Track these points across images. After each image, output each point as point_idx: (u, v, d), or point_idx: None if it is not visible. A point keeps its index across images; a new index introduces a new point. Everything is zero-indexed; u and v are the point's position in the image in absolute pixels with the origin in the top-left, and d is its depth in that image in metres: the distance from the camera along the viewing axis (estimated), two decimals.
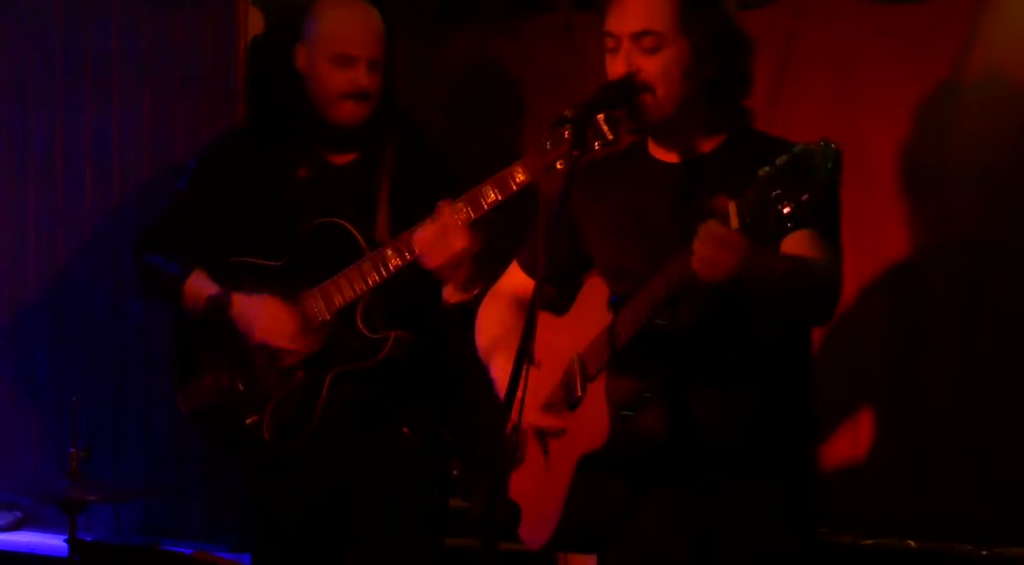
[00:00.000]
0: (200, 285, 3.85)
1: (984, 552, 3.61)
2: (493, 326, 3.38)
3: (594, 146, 2.99)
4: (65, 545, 4.02)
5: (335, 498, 3.83)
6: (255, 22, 4.56)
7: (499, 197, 3.43)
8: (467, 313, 3.56)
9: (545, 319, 2.94)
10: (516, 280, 3.31)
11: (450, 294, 3.69)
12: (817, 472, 3.20)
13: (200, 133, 4.48)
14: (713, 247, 2.52)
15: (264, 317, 3.82)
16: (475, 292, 3.57)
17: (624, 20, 2.93)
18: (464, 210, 3.48)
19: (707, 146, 3.00)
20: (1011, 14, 3.64)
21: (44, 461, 4.34)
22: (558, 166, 3.13)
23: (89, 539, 3.88)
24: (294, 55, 3.98)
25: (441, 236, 3.51)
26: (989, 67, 3.69)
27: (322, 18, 3.90)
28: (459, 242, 3.48)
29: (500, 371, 3.24)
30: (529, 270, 3.26)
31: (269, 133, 4.09)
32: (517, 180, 3.37)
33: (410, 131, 4.02)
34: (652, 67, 2.90)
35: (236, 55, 4.57)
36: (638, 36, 2.89)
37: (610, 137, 3.03)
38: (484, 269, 3.51)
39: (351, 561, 3.79)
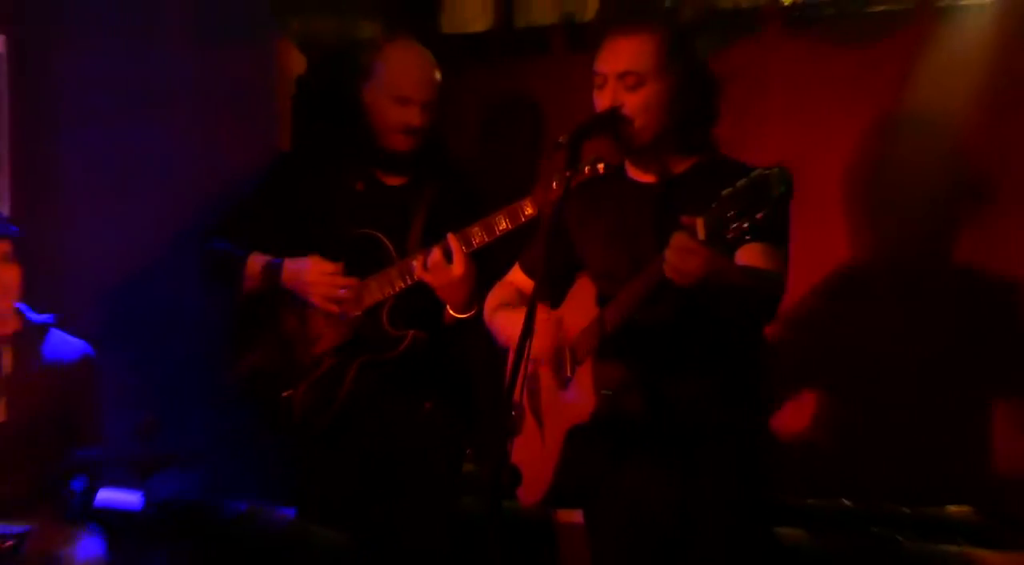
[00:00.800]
0: (258, 261, 4.03)
1: (906, 510, 3.72)
2: (497, 298, 3.48)
3: (584, 169, 3.18)
4: (140, 501, 4.03)
5: (365, 463, 3.97)
6: (298, 62, 4.66)
7: (509, 226, 3.61)
8: (472, 322, 3.74)
9: (542, 313, 3.03)
10: (518, 278, 3.46)
11: (448, 315, 3.83)
12: (768, 441, 3.25)
13: (244, 152, 4.57)
14: (682, 256, 2.67)
15: (309, 272, 3.98)
16: (472, 313, 3.74)
17: (610, 62, 3.08)
18: (482, 233, 3.66)
19: (679, 168, 3.14)
20: (942, 59, 3.79)
21: (122, 429, 4.29)
22: (555, 187, 3.28)
23: (159, 497, 4.05)
24: (359, 88, 4.04)
25: (443, 262, 3.69)
26: (922, 104, 3.85)
27: (388, 61, 4.04)
28: (457, 270, 3.68)
29: (504, 322, 3.41)
30: (529, 272, 3.40)
31: (324, 153, 4.23)
32: (526, 213, 3.57)
33: (448, 163, 4.16)
34: (633, 102, 3.04)
35: (275, 86, 4.70)
36: (622, 75, 3.06)
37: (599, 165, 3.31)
38: (478, 295, 3.67)
39: (379, 516, 3.88)
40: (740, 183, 2.66)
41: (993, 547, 3.61)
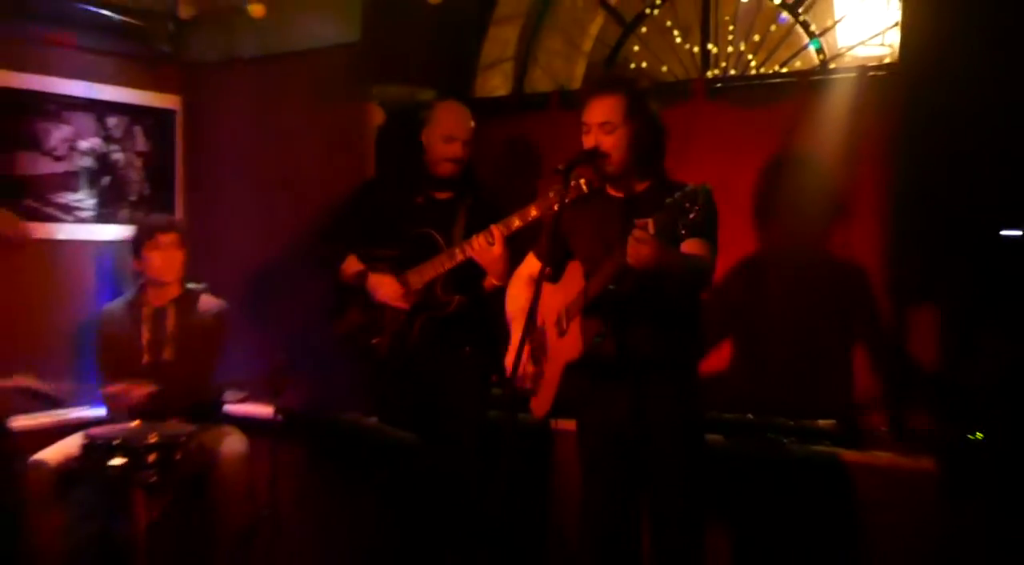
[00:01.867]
0: (352, 265, 4.02)
1: (791, 422, 3.66)
2: (515, 301, 3.44)
3: (573, 187, 3.20)
4: (272, 413, 4.04)
5: (425, 386, 3.96)
6: (379, 117, 4.57)
7: (522, 223, 3.58)
8: (499, 291, 3.68)
9: (546, 286, 3.13)
10: (531, 263, 3.43)
11: (489, 282, 3.77)
12: (699, 373, 3.27)
13: (344, 178, 4.48)
14: (636, 246, 2.76)
15: (383, 287, 3.95)
16: (505, 282, 3.65)
17: (593, 114, 3.08)
18: (502, 229, 3.61)
19: (640, 187, 3.15)
20: (815, 115, 3.71)
21: (260, 365, 4.25)
22: (553, 198, 3.31)
23: (286, 409, 4.03)
24: (419, 133, 4.00)
25: (488, 244, 3.67)
26: (800, 147, 3.78)
27: (440, 113, 4.00)
28: (497, 248, 3.65)
29: (514, 332, 3.39)
30: (539, 258, 3.36)
31: (397, 178, 4.18)
32: (531, 215, 3.53)
33: (478, 184, 4.10)
34: (608, 142, 3.06)
35: (366, 133, 4.58)
36: (601, 124, 3.06)
37: (583, 185, 3.28)
38: (509, 269, 3.63)
39: (433, 422, 3.86)
40: (677, 195, 2.78)
41: (848, 448, 3.56)
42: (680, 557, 3.13)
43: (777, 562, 3.62)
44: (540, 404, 3.34)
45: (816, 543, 3.52)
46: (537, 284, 2.98)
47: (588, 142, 3.12)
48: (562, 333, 3.24)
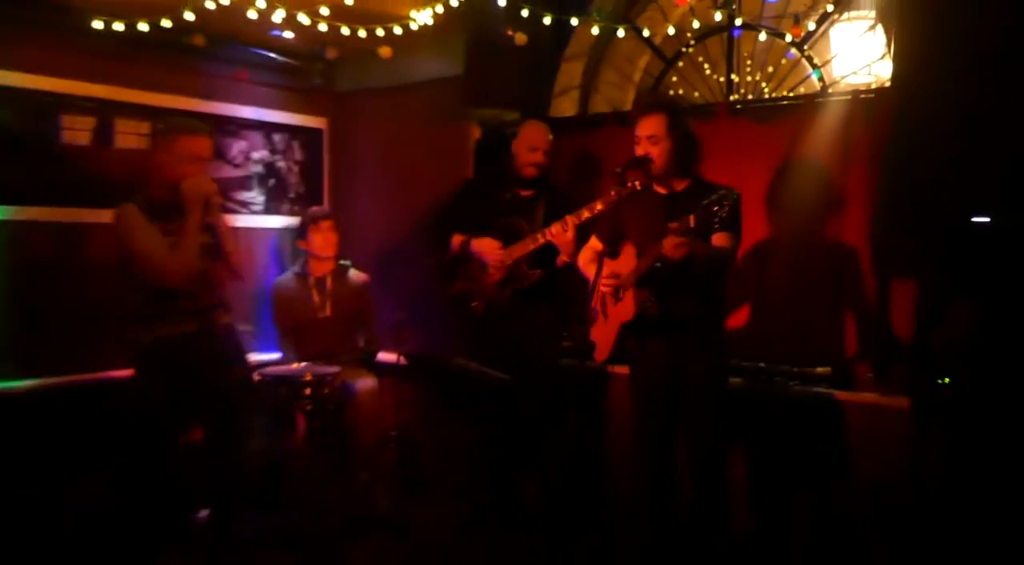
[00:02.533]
0: (457, 238, 4.00)
1: (795, 369, 3.59)
2: (585, 267, 3.42)
3: (628, 186, 3.17)
4: (396, 358, 4.11)
5: (512, 339, 3.93)
6: (476, 132, 4.57)
7: (590, 215, 3.53)
8: (569, 266, 3.71)
9: (607, 260, 3.18)
10: (594, 241, 3.43)
11: (561, 259, 3.75)
12: (723, 330, 3.33)
13: (449, 179, 4.45)
14: (673, 245, 2.82)
15: (484, 245, 3.92)
16: (574, 259, 3.66)
17: (642, 129, 3.11)
18: (574, 219, 3.58)
19: (680, 186, 3.14)
20: (818, 131, 3.64)
21: (388, 320, 4.37)
22: (612, 194, 3.28)
23: (409, 354, 4.10)
24: (509, 144, 4.01)
25: (562, 231, 3.64)
26: (804, 156, 3.71)
27: (526, 129, 3.99)
28: (570, 233, 3.61)
29: (585, 268, 3.42)
30: (600, 239, 3.37)
31: (490, 179, 4.17)
32: (597, 208, 3.48)
33: (553, 184, 4.10)
34: (654, 151, 3.07)
35: (467, 145, 4.58)
36: (649, 136, 3.08)
37: (636, 184, 3.25)
38: (578, 248, 3.61)
39: (519, 367, 3.74)
40: (712, 197, 2.79)
41: (840, 390, 3.52)
42: (709, 469, 3.13)
43: (781, 478, 3.57)
44: (601, 353, 3.33)
45: (813, 463, 3.48)
46: (600, 259, 3.11)
47: (639, 151, 3.15)
48: (618, 300, 3.23)
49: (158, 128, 3.51)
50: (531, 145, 3.96)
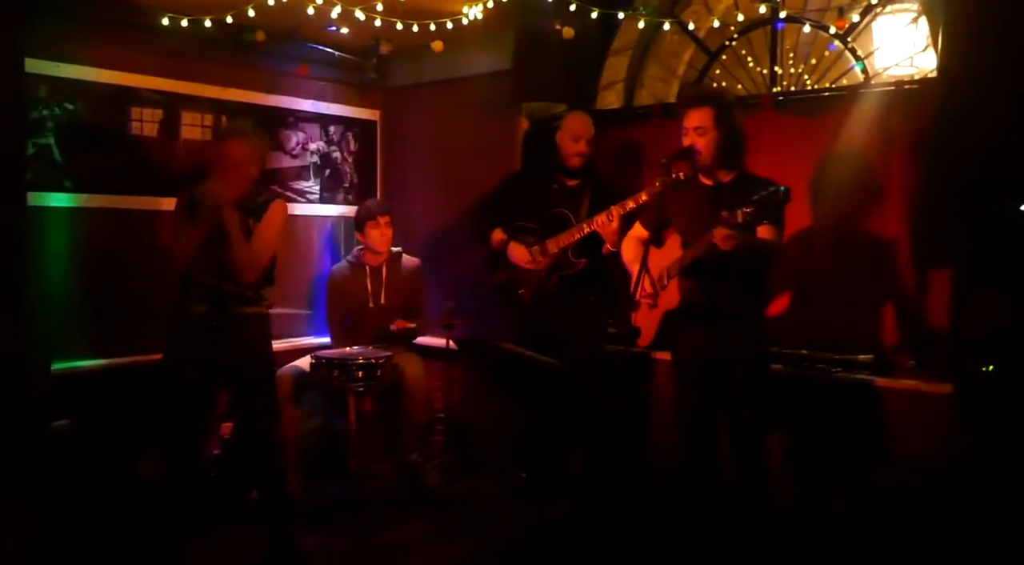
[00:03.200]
0: (497, 235, 4.04)
1: (836, 356, 3.58)
2: (627, 253, 3.41)
3: (673, 176, 3.17)
4: (445, 342, 4.15)
5: (558, 325, 3.94)
6: (524, 124, 4.57)
7: (635, 205, 3.54)
8: (613, 255, 3.69)
9: (652, 250, 3.11)
10: (638, 228, 3.40)
11: (606, 248, 3.76)
12: (765, 318, 3.27)
13: (498, 170, 4.49)
14: (722, 237, 2.81)
15: (516, 253, 3.97)
16: (619, 248, 3.63)
17: (690, 121, 3.10)
18: (619, 209, 3.58)
19: (726, 178, 3.12)
20: (865, 123, 3.58)
21: (438, 307, 4.39)
22: (657, 184, 3.27)
23: (458, 338, 4.11)
24: (555, 135, 4.01)
25: (608, 220, 3.65)
26: (846, 146, 3.65)
27: (569, 120, 4.01)
28: (615, 223, 3.62)
29: (627, 256, 3.41)
30: (645, 227, 3.34)
31: (537, 170, 4.18)
32: (642, 199, 3.49)
33: (598, 174, 4.08)
34: (701, 142, 3.05)
35: (515, 137, 4.59)
36: (696, 128, 3.05)
37: (681, 174, 3.25)
38: (622, 236, 3.60)
39: (565, 351, 3.75)
40: (763, 192, 2.78)
41: (882, 376, 3.48)
42: (751, 454, 3.12)
43: (823, 464, 3.55)
44: (645, 339, 3.32)
45: (855, 449, 3.45)
46: (644, 247, 3.03)
47: (685, 142, 3.13)
48: (663, 287, 3.21)
49: (219, 131, 3.71)
50: (575, 135, 3.97)
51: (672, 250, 3.22)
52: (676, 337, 3.24)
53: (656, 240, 3.28)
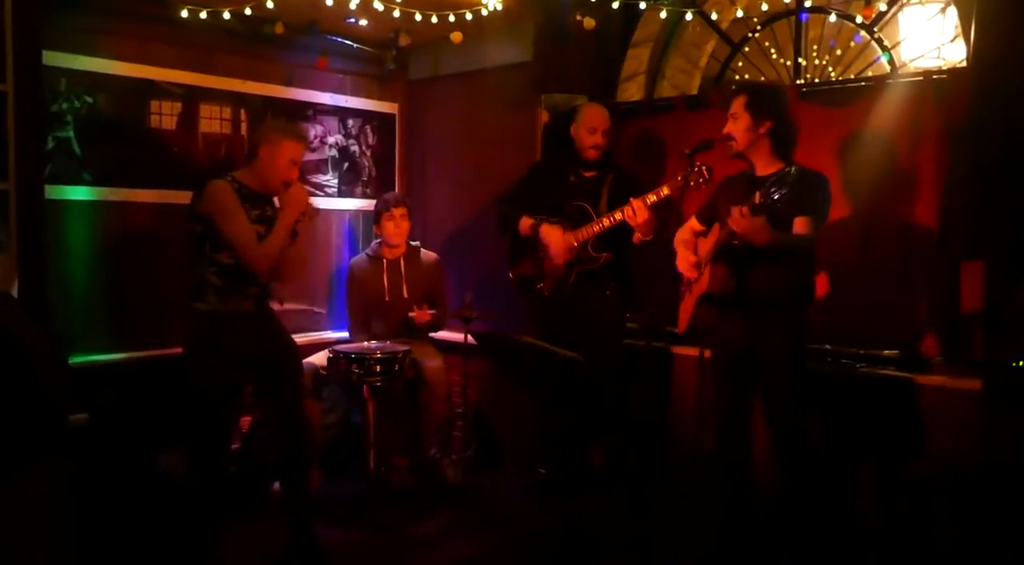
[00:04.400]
0: (526, 221, 3.96)
1: (861, 351, 3.52)
2: (679, 239, 3.35)
3: (695, 170, 3.13)
4: (463, 336, 4.04)
5: (577, 318, 3.91)
6: (544, 116, 4.48)
7: (657, 199, 3.53)
8: (644, 244, 3.70)
9: (700, 240, 3.21)
10: (693, 223, 3.35)
11: (637, 238, 3.71)
12: (806, 312, 3.12)
13: (518, 163, 4.42)
14: (737, 211, 2.79)
15: (552, 235, 3.89)
16: (650, 237, 3.65)
17: (730, 107, 3.10)
18: (643, 201, 3.55)
19: (770, 169, 3.07)
20: (892, 114, 3.51)
21: (456, 300, 4.36)
22: (679, 179, 3.23)
23: (483, 332, 4.01)
24: (570, 128, 3.96)
25: (636, 212, 3.60)
26: (876, 139, 3.58)
27: (584, 112, 3.95)
28: (643, 215, 3.57)
29: (679, 257, 3.31)
30: (699, 220, 3.31)
31: (556, 162, 4.11)
32: (663, 193, 3.46)
33: (617, 165, 4.04)
34: (732, 128, 3.06)
35: (535, 129, 4.52)
36: (731, 114, 3.07)
37: (703, 171, 3.21)
38: (653, 228, 3.59)
39: (585, 344, 3.60)
40: (775, 177, 2.90)
41: (909, 372, 3.41)
42: (789, 447, 3.06)
43: (847, 458, 3.49)
44: (681, 325, 3.31)
45: (882, 445, 3.38)
46: (695, 239, 3.18)
47: (725, 129, 3.09)
48: (700, 275, 3.19)
49: (271, 124, 3.61)
50: (590, 127, 3.92)
51: (712, 238, 3.19)
52: (708, 324, 3.20)
53: (706, 232, 3.29)
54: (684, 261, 3.27)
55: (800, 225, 2.93)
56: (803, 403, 3.08)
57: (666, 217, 3.60)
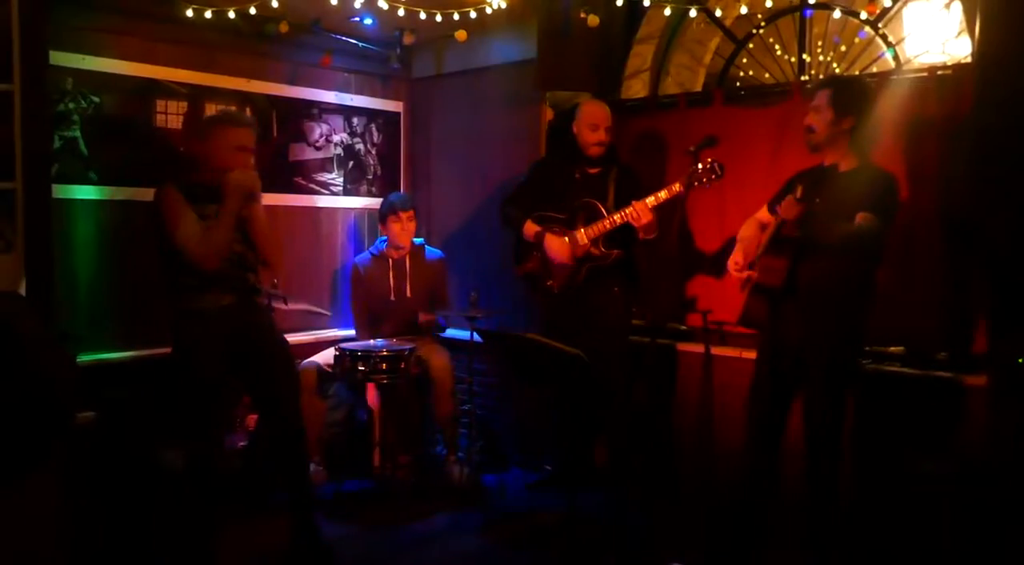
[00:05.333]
0: (530, 227, 3.95)
1: (867, 348, 3.31)
2: (744, 231, 3.31)
3: (703, 165, 3.10)
4: (468, 333, 4.05)
5: (583, 316, 3.91)
6: (548, 113, 4.49)
7: (669, 196, 3.53)
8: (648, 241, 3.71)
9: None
10: (763, 213, 3.26)
11: (641, 236, 3.71)
12: (865, 311, 3.01)
13: (522, 160, 4.44)
14: (788, 201, 2.82)
15: (555, 246, 3.89)
16: (653, 236, 3.65)
17: (814, 100, 3.04)
18: (653, 201, 3.56)
19: (845, 166, 3.03)
20: (897, 109, 3.43)
21: (463, 298, 4.38)
22: (684, 179, 3.22)
23: (482, 330, 4.01)
24: (572, 125, 3.96)
25: (640, 214, 3.61)
26: (879, 135, 3.32)
27: (584, 109, 3.94)
28: (647, 217, 3.58)
29: (736, 251, 3.23)
30: (770, 210, 3.19)
31: (561, 159, 4.09)
32: (663, 196, 3.47)
33: (620, 162, 4.03)
34: (813, 120, 3.03)
35: (540, 127, 4.52)
36: (812, 106, 3.03)
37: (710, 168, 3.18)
38: (656, 229, 3.59)
39: (591, 340, 3.62)
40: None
41: (915, 368, 3.38)
42: (823, 451, 2.99)
43: (855, 449, 3.40)
44: (732, 315, 3.26)
45: (888, 443, 3.36)
46: (760, 229, 3.06)
47: (806, 121, 3.05)
48: (752, 263, 3.14)
49: (206, 118, 3.62)
50: (592, 124, 3.92)
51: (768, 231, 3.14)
52: (760, 315, 3.13)
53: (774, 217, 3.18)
54: (733, 260, 3.20)
55: (860, 220, 2.85)
56: (843, 405, 3.01)
57: (670, 215, 3.58)
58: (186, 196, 3.14)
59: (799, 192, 2.72)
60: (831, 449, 2.99)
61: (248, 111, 4.34)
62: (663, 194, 3.57)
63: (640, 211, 3.61)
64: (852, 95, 3.00)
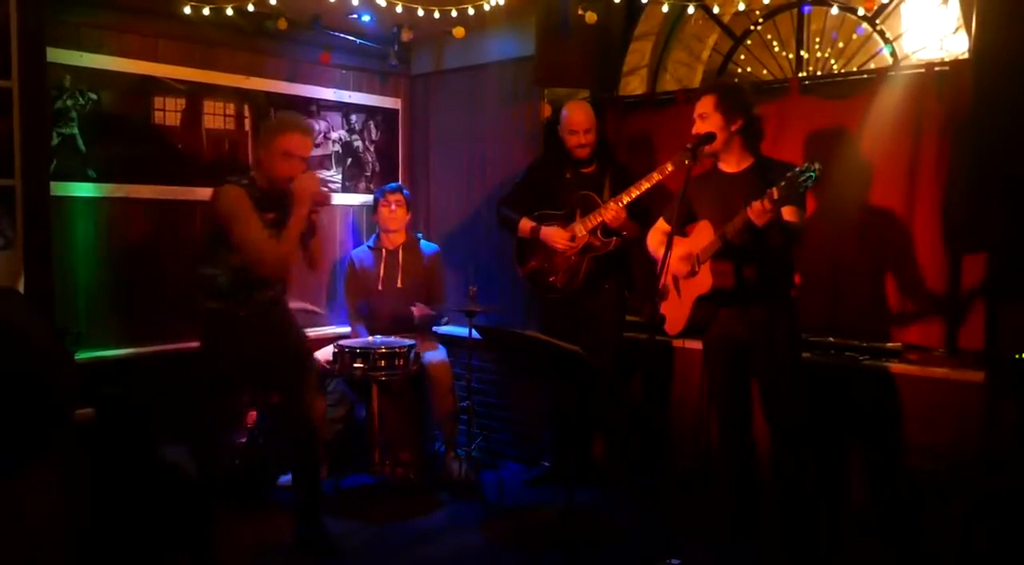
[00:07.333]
0: (526, 224, 3.96)
1: (863, 344, 3.48)
2: (653, 241, 3.40)
3: (686, 156, 3.11)
4: (467, 330, 4.08)
5: (581, 314, 3.95)
6: (547, 110, 4.47)
7: (650, 185, 3.57)
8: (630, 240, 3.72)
9: (678, 240, 3.08)
10: (662, 224, 3.38)
11: (624, 234, 3.79)
12: (792, 299, 3.14)
13: (520, 157, 4.49)
14: (760, 207, 2.75)
15: (552, 235, 3.89)
16: (634, 235, 3.71)
17: (696, 109, 3.12)
18: (626, 197, 3.64)
19: (744, 164, 3.09)
20: (893, 105, 3.48)
21: (461, 294, 4.41)
22: (686, 162, 3.20)
23: (480, 327, 4.06)
24: (557, 129, 4.00)
25: (615, 213, 3.67)
26: (878, 132, 3.54)
27: (564, 114, 3.99)
28: (620, 216, 3.67)
29: (655, 252, 3.37)
30: (667, 221, 3.32)
31: (556, 158, 4.09)
32: (668, 169, 3.45)
33: (615, 159, 4.05)
34: (703, 127, 3.08)
35: (538, 123, 4.50)
36: (699, 114, 3.12)
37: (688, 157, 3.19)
38: (634, 226, 3.65)
39: (586, 335, 3.75)
40: (796, 170, 2.69)
41: (910, 364, 3.38)
42: (789, 438, 3.07)
43: (851, 451, 3.48)
44: (674, 327, 3.29)
45: (883, 437, 3.37)
46: (668, 239, 2.91)
47: (697, 129, 3.11)
48: (694, 273, 3.16)
49: (266, 123, 3.61)
50: (570, 129, 3.94)
51: (699, 239, 3.16)
52: (707, 319, 3.20)
53: (681, 232, 3.24)
54: (677, 262, 3.21)
55: (790, 213, 2.92)
56: (803, 395, 3.09)
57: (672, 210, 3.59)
58: (253, 201, 3.18)
59: (775, 194, 2.73)
60: (796, 441, 3.07)
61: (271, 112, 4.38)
62: (626, 197, 3.65)
63: (614, 210, 3.69)
64: (736, 98, 3.08)
